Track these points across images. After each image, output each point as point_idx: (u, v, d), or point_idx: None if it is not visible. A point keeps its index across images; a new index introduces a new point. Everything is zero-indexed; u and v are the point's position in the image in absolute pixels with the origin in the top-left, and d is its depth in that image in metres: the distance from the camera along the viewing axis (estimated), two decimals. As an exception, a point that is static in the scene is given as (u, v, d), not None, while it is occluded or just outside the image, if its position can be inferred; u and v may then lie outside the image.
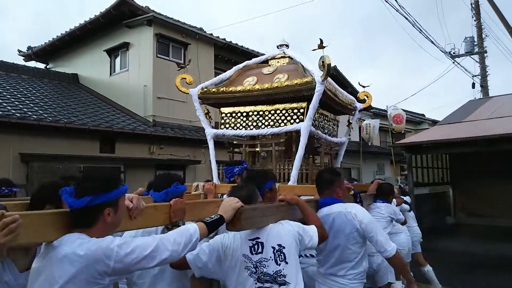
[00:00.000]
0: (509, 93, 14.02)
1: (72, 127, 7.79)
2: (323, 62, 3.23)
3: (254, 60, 4.40)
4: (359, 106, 4.45)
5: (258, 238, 2.05)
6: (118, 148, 8.74)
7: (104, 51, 11.33)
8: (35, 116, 7.51)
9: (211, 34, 11.83)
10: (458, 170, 12.25)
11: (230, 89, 3.87)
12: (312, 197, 2.84)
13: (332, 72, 15.79)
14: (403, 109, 23.49)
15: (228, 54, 12.28)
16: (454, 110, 13.90)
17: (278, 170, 3.68)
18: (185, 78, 4.09)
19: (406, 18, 13.06)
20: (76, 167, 7.66)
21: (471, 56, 17.93)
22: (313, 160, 4.13)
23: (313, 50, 3.50)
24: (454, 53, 18.08)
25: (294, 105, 3.66)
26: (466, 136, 9.20)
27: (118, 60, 11.27)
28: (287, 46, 4.25)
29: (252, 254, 2.03)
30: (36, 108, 8.17)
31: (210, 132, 4.03)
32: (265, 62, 4.41)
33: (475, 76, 17.60)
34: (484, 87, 17.03)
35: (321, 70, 3.30)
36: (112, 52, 11.31)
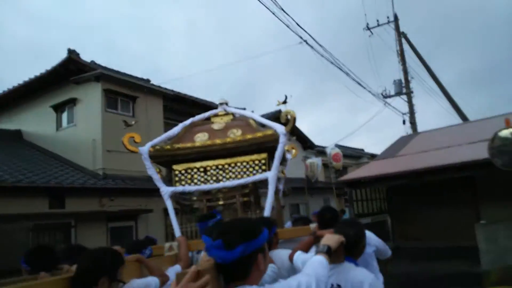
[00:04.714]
0: (434, 129, 15.77)
1: (20, 186, 7.72)
2: (287, 115, 3.63)
3: (198, 116, 4.46)
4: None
5: None
6: (68, 203, 8.69)
7: (50, 106, 11.35)
8: (-21, 177, 7.40)
9: (159, 86, 12.27)
10: (394, 200, 13.31)
11: (188, 145, 3.86)
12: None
13: (277, 116, 16.43)
14: (345, 146, 25.02)
15: (178, 104, 12.75)
16: (388, 146, 15.28)
17: None
18: (133, 137, 3.83)
19: (340, 69, 14.47)
20: (25, 226, 7.54)
21: (401, 96, 19.91)
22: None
23: (277, 105, 3.91)
24: (385, 94, 19.99)
25: (255, 156, 3.81)
26: (398, 170, 10.25)
27: (65, 115, 11.31)
28: (226, 104, 4.49)
29: None
30: (-21, 169, 8.03)
31: (166, 190, 3.77)
32: (208, 118, 4.52)
33: (405, 114, 19.50)
34: (413, 123, 18.88)
35: (283, 123, 3.68)
36: (59, 108, 11.35)
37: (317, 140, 21.65)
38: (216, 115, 4.39)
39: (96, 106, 10.47)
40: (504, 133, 8.01)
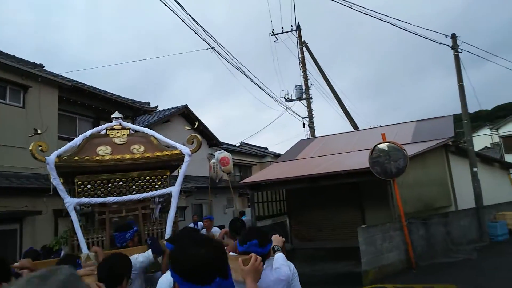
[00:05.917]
0: (329, 134, 17.21)
1: None
2: (193, 140, 4.12)
3: (96, 128, 4.52)
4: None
5: None
6: None
7: None
8: None
9: (56, 75, 11.30)
10: (292, 202, 14.22)
11: (97, 158, 3.93)
12: None
13: (183, 111, 16.38)
14: (250, 144, 25.75)
15: (75, 95, 11.85)
16: (288, 149, 16.26)
17: (147, 231, 4.05)
18: (41, 146, 3.75)
19: (245, 74, 14.91)
20: None
21: (301, 101, 21.26)
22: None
23: (187, 129, 4.28)
24: (288, 98, 21.16)
25: (158, 172, 4.15)
26: (295, 175, 10.99)
27: None
28: (122, 118, 4.64)
29: None
30: None
31: (71, 201, 3.71)
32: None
33: (305, 118, 20.88)
34: (311, 127, 20.30)
35: (189, 145, 4.16)
36: None
37: (223, 137, 22.00)
38: (112, 128, 4.51)
39: (-22, 94, 9.25)
40: (382, 146, 9.22)
